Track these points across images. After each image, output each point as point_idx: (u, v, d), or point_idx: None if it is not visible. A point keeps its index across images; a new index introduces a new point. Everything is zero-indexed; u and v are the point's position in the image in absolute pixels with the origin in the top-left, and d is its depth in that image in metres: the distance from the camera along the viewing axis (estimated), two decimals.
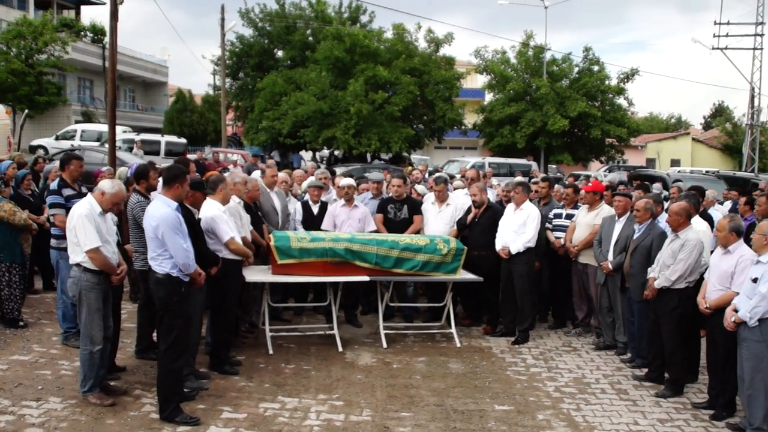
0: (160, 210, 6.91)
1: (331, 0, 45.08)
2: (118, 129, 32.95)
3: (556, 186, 12.12)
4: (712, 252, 8.15)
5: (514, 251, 10.11)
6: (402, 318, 11.18)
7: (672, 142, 66.12)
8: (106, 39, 28.25)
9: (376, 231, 10.64)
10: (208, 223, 8.14)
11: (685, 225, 8.27)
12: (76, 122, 40.95)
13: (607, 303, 9.88)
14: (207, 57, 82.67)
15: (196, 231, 7.58)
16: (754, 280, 6.93)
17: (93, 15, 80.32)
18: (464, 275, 10.05)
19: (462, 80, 41.07)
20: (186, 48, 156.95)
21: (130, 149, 30.10)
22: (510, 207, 10.55)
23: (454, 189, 12.94)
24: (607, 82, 42.28)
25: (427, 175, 16.68)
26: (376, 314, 10.26)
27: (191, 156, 26.97)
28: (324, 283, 9.74)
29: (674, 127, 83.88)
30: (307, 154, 44.47)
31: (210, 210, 8.20)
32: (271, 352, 9.21)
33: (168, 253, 6.87)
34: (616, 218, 9.80)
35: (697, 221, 8.92)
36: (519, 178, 11.70)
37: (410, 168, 16.02)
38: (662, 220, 9.36)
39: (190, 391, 7.58)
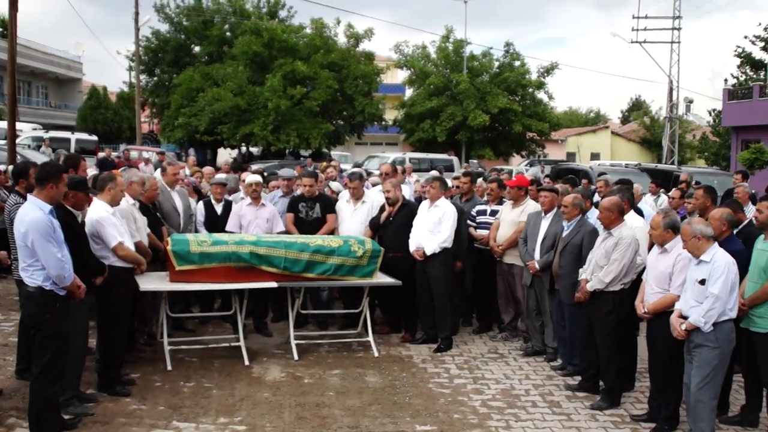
0: (29, 214, 6.06)
1: None
2: (27, 126, 31.73)
3: (479, 181, 11.50)
4: (650, 250, 7.54)
5: (429, 252, 9.39)
6: (316, 325, 10.40)
7: (592, 136, 67.36)
8: None
9: (286, 232, 9.87)
10: (94, 227, 7.29)
11: (617, 221, 7.66)
12: None
13: (534, 306, 9.26)
14: (122, 53, 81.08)
15: (78, 236, 6.76)
16: (702, 282, 6.35)
17: None
18: (381, 279, 9.35)
19: (382, 75, 41.20)
20: (101, 45, 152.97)
21: (39, 147, 28.71)
22: (424, 204, 9.83)
23: (372, 186, 12.22)
24: (527, 77, 42.56)
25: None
26: (287, 322, 9.43)
27: (101, 154, 26.06)
28: (229, 290, 8.94)
29: (593, 121, 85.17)
30: (225, 152, 43.79)
31: (96, 212, 7.35)
32: (169, 368, 8.32)
33: (40, 263, 5.99)
34: (543, 215, 9.20)
35: (632, 217, 8.33)
36: (434, 173, 10.96)
37: (324, 164, 15.21)
38: (592, 216, 8.80)
39: (73, 417, 6.70)
